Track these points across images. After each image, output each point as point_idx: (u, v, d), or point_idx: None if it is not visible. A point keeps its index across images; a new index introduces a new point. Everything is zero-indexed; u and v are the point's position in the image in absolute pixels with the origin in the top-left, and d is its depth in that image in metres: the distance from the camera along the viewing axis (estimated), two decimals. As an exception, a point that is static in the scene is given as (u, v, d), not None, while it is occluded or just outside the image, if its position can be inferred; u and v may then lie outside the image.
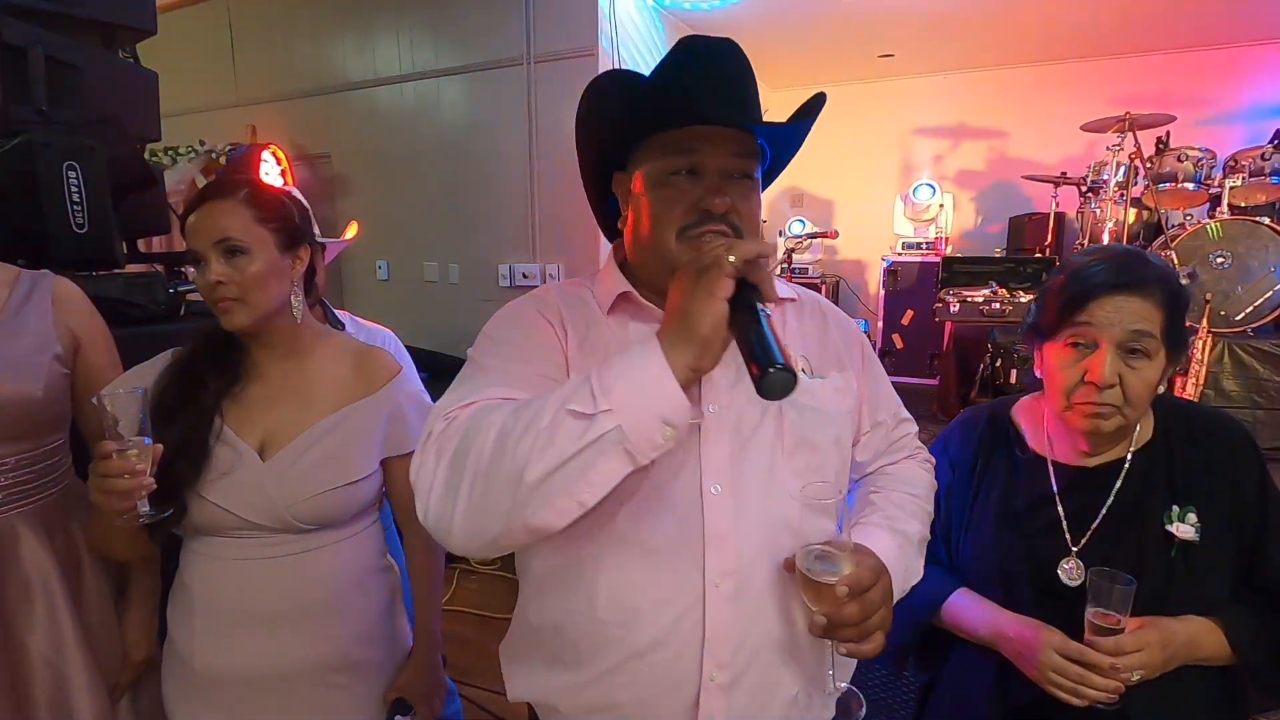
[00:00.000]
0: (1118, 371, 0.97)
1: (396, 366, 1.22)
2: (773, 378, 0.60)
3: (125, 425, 0.93)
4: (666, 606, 0.79)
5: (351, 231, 2.15)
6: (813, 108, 0.84)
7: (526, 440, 0.63)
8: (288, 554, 1.09)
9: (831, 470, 0.88)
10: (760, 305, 0.63)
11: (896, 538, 0.87)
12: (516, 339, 0.85)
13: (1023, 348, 3.18)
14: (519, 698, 0.91)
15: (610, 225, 0.97)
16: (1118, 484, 1.04)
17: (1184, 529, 0.98)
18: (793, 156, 0.95)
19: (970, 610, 1.07)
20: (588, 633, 0.81)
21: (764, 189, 0.91)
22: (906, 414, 1.04)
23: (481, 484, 0.66)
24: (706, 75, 0.83)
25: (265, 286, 1.07)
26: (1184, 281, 3.15)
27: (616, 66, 3.62)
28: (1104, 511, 1.03)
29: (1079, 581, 1.00)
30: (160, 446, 0.96)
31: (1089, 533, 1.03)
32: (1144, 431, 1.06)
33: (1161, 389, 1.01)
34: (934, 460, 1.06)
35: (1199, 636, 0.96)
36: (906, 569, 0.87)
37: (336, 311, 1.82)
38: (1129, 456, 1.04)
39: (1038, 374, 1.09)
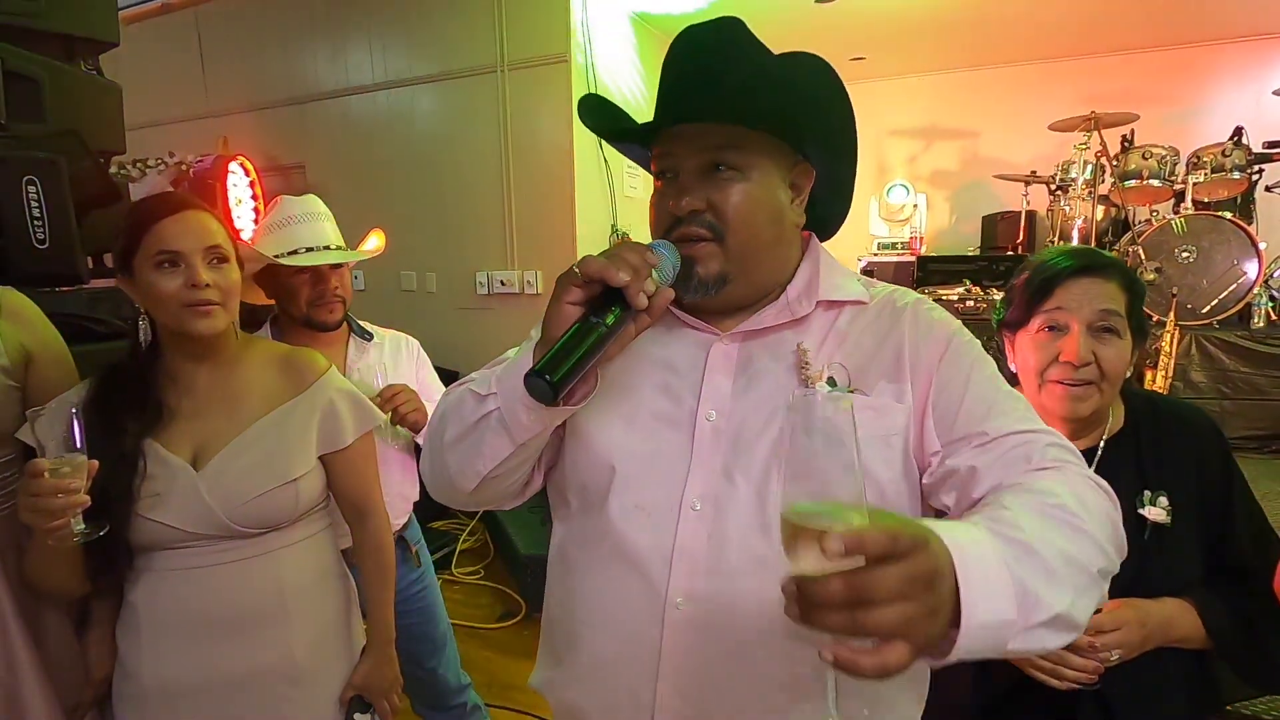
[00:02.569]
0: (1091, 349, 1.00)
1: (325, 364, 1.22)
2: (531, 381, 0.64)
3: (56, 442, 0.92)
4: (628, 619, 0.76)
5: (371, 243, 1.86)
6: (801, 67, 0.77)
7: (449, 414, 0.78)
8: (232, 560, 1.08)
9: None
10: (605, 316, 0.65)
11: (1000, 540, 0.56)
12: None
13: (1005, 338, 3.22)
14: (531, 684, 0.92)
15: None
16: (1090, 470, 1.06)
17: (1155, 512, 1.01)
18: (826, 119, 0.80)
19: None
20: (568, 631, 0.82)
21: (834, 161, 0.83)
22: (1030, 425, 0.74)
23: (431, 446, 0.82)
24: (674, 73, 0.78)
25: (237, 296, 1.11)
26: (1150, 276, 3.22)
27: (591, 72, 3.63)
28: None
29: None
30: (95, 462, 0.94)
31: None
32: (1115, 422, 1.09)
33: (1129, 372, 1.04)
34: (1100, 481, 0.74)
35: (1174, 617, 0.98)
36: (1022, 587, 0.53)
37: (359, 322, 1.79)
38: (1101, 444, 1.07)
39: (1011, 368, 1.12)
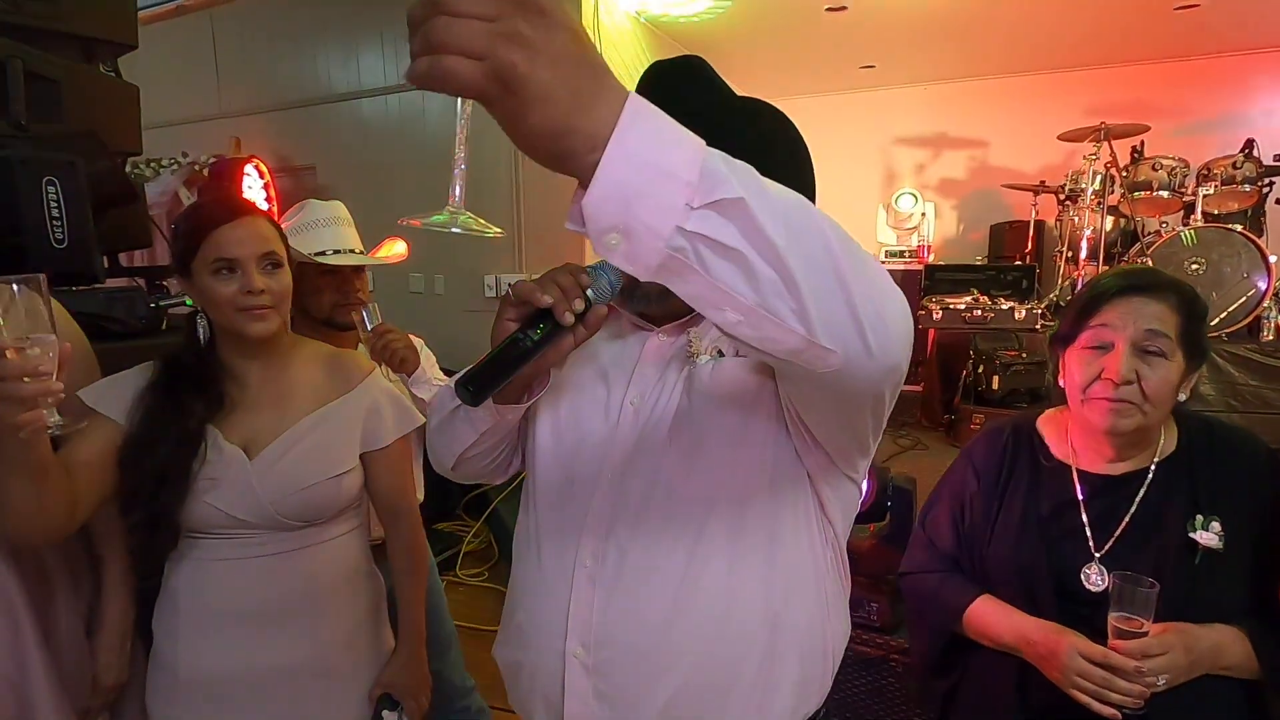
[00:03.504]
0: (1134, 369, 0.99)
1: (370, 365, 1.28)
2: (458, 386, 0.72)
3: (26, 317, 0.82)
4: (545, 576, 0.86)
5: (389, 250, 1.92)
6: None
7: (436, 405, 0.91)
8: (272, 552, 1.11)
9: (717, 460, 0.79)
10: (531, 332, 0.73)
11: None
12: None
13: (1008, 354, 3.22)
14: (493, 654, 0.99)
15: None
16: (1141, 492, 1.05)
17: (1207, 536, 0.99)
18: (760, 154, 0.83)
19: (994, 617, 1.08)
20: (509, 595, 0.94)
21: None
22: None
23: (427, 430, 0.95)
24: None
25: (289, 298, 1.15)
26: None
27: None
28: (1127, 519, 1.04)
29: (1101, 587, 1.01)
30: (69, 345, 0.86)
31: (1112, 539, 1.04)
32: (1168, 443, 1.07)
33: (1183, 396, 1.03)
34: None
35: (1223, 644, 0.96)
36: (714, 163, 0.47)
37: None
38: (1153, 466, 1.06)
39: (1060, 384, 1.12)
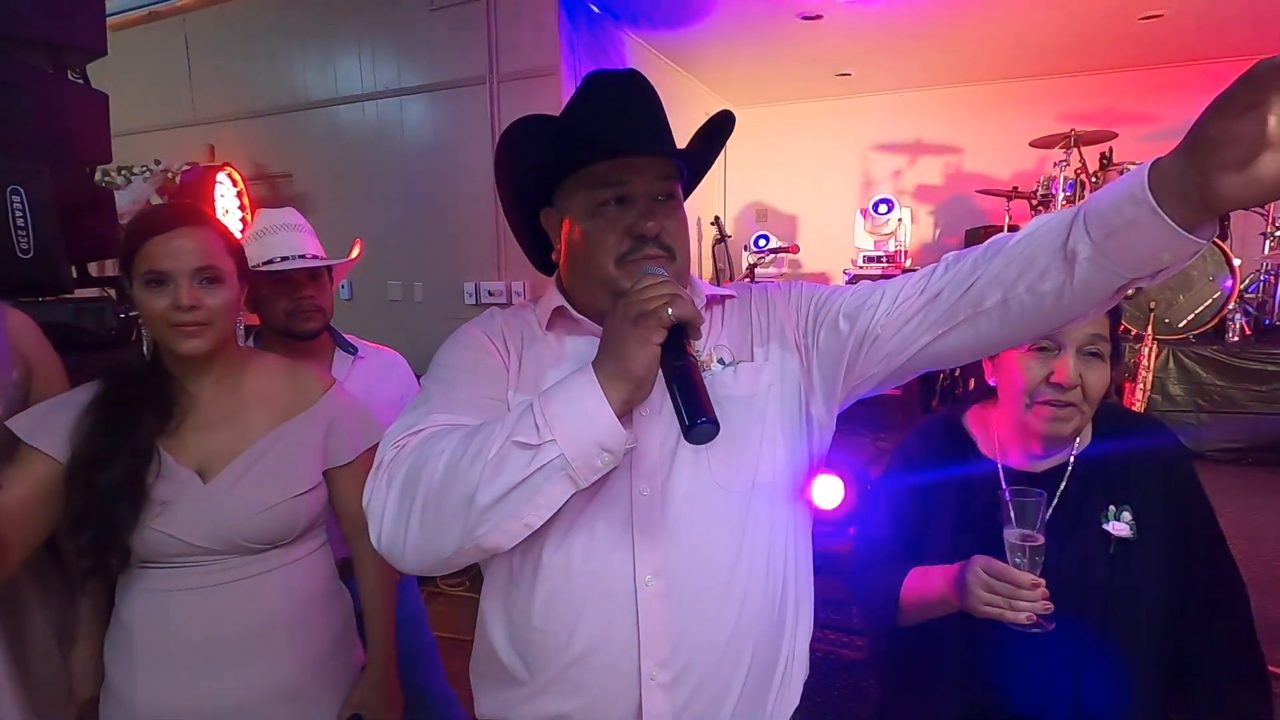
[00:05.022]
0: (1079, 371, 1.02)
1: (330, 379, 1.23)
2: (698, 431, 0.66)
3: None
4: (599, 609, 0.80)
5: (356, 250, 2.00)
6: (721, 128, 0.89)
7: (475, 468, 0.68)
8: (234, 579, 1.06)
9: (753, 454, 0.85)
10: (688, 351, 0.70)
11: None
12: (462, 363, 0.89)
13: (980, 357, 3.27)
14: (482, 715, 0.93)
15: (539, 258, 1.00)
16: (1061, 486, 1.08)
17: (1119, 527, 1.04)
18: (708, 169, 0.99)
19: (922, 581, 1.10)
20: (530, 643, 0.84)
21: (684, 199, 0.97)
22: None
23: (433, 509, 0.71)
24: (620, 110, 0.88)
25: (230, 314, 1.08)
26: (1129, 292, 3.29)
27: (578, 85, 3.65)
28: (1049, 513, 1.07)
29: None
30: None
31: None
32: (1084, 437, 1.11)
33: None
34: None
35: None
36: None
37: (345, 336, 1.77)
38: (1071, 460, 1.09)
39: (990, 382, 1.14)
